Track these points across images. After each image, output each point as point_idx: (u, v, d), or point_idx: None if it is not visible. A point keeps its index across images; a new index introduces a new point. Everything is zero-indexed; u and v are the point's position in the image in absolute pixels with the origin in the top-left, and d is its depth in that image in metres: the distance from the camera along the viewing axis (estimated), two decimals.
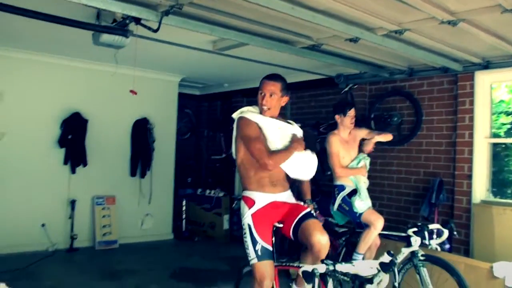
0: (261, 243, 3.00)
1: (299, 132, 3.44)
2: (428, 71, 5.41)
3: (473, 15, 3.21)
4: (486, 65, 4.89)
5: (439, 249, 4.73)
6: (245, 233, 3.10)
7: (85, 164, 6.70)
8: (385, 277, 2.47)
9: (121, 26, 4.02)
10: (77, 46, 5.54)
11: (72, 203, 6.61)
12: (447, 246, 4.90)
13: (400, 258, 4.10)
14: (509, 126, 6.62)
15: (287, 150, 3.16)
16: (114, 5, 3.27)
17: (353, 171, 4.59)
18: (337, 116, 4.76)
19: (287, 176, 3.32)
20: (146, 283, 5.13)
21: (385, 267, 2.42)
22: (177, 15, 3.51)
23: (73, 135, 6.58)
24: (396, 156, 6.03)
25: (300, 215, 3.11)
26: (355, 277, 2.77)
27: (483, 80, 5.16)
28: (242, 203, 3.21)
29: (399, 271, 4.12)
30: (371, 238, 4.24)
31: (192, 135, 9.50)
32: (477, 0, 2.92)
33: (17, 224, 6.02)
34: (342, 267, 2.40)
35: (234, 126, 3.29)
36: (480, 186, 5.15)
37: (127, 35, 4.08)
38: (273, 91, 3.26)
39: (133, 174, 7.29)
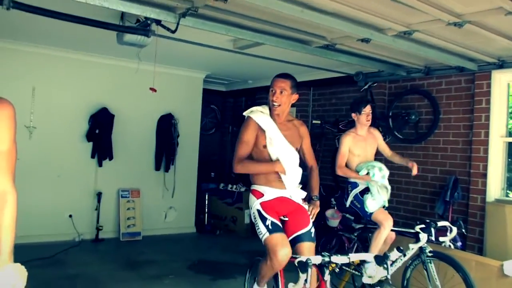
0: (270, 219, 3.13)
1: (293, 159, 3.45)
2: (444, 70, 5.43)
3: (478, 17, 3.27)
4: (501, 65, 4.89)
5: (452, 246, 4.82)
6: (255, 218, 3.25)
7: (111, 158, 6.98)
8: (378, 270, 2.56)
9: (143, 26, 4.22)
10: (103, 43, 5.79)
11: (99, 195, 6.91)
12: (459, 243, 4.94)
13: (409, 254, 4.21)
14: None
15: (263, 165, 3.31)
16: (134, 8, 3.47)
17: (352, 174, 4.61)
18: (353, 114, 4.80)
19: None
20: (165, 273, 5.36)
21: (379, 260, 2.53)
22: (193, 17, 3.69)
23: (100, 130, 6.86)
24: (413, 154, 6.06)
25: (300, 232, 3.23)
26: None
27: (499, 79, 5.16)
28: (251, 195, 3.37)
29: (408, 267, 4.24)
30: (382, 238, 4.30)
31: (217, 130, 9.72)
32: (479, 2, 2.97)
33: (46, 214, 6.33)
34: (337, 258, 2.53)
35: None
36: (495, 185, 5.16)
37: (148, 35, 4.27)
38: (283, 88, 3.40)
39: (157, 168, 7.54)
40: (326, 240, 5.14)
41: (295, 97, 3.51)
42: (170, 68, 7.39)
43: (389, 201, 6.08)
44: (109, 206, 7.05)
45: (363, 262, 3.78)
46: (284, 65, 5.85)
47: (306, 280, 2.51)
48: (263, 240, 3.15)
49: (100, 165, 6.93)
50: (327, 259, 2.51)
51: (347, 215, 5.10)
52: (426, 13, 3.22)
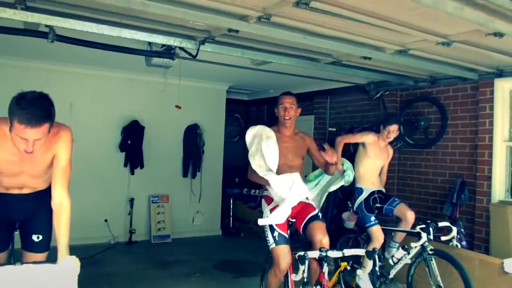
0: (278, 230, 3.57)
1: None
2: (448, 79, 5.75)
3: (462, 37, 3.61)
4: (500, 74, 5.20)
5: (459, 245, 5.16)
6: (265, 226, 3.68)
7: (142, 166, 7.55)
8: (369, 263, 2.96)
9: (168, 51, 4.75)
10: (133, 63, 6.30)
11: (131, 201, 7.48)
12: (464, 242, 5.26)
13: (412, 252, 4.59)
14: None
15: (259, 178, 3.69)
16: (160, 38, 3.98)
17: (339, 147, 4.88)
18: (381, 126, 5.08)
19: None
20: (192, 272, 5.87)
21: (368, 254, 2.93)
22: (211, 43, 4.18)
23: (132, 141, 7.44)
24: (424, 158, 6.39)
25: (309, 215, 3.69)
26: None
27: (502, 87, 5.44)
28: (263, 201, 3.83)
29: (412, 264, 4.62)
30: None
31: (241, 138, 10.18)
32: (459, 25, 3.30)
33: (84, 219, 6.88)
34: (332, 253, 2.96)
35: None
36: (499, 187, 5.44)
37: (173, 58, 4.79)
38: (292, 103, 3.98)
39: (185, 175, 8.08)
40: (343, 240, 5.53)
41: (299, 110, 4.07)
42: (195, 81, 7.90)
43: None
44: (141, 211, 7.62)
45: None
46: (299, 78, 6.31)
47: (304, 271, 2.94)
48: (270, 248, 3.64)
49: (132, 173, 7.51)
50: (324, 254, 2.94)
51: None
52: (415, 36, 3.61)
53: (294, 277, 3.01)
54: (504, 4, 2.74)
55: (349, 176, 4.75)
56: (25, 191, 2.80)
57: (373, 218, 4.86)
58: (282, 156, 3.81)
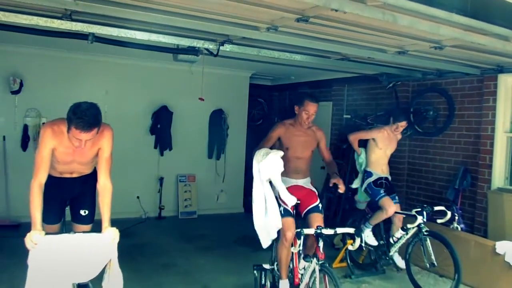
0: (283, 206, 4.08)
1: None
2: (453, 72, 6.09)
3: (452, 42, 3.99)
4: (501, 70, 5.53)
5: (459, 228, 5.61)
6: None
7: (171, 148, 8.20)
8: (357, 240, 3.46)
9: (192, 48, 5.29)
10: (162, 54, 6.88)
11: (161, 180, 8.16)
12: (462, 225, 5.70)
13: (409, 232, 5.08)
14: None
15: None
16: (184, 40, 4.53)
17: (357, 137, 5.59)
18: (391, 118, 5.55)
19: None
20: (214, 245, 6.54)
21: (357, 232, 3.46)
22: (230, 44, 4.68)
23: (161, 125, 8.07)
24: (432, 146, 6.79)
25: (311, 206, 4.23)
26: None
27: (505, 81, 5.78)
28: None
29: (409, 243, 5.12)
30: (380, 218, 5.22)
31: (264, 121, 10.67)
32: (445, 33, 3.64)
33: (118, 196, 7.41)
34: (326, 231, 3.51)
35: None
36: (499, 175, 5.83)
37: (197, 55, 5.32)
38: (315, 111, 4.29)
39: (210, 156, 8.71)
40: (353, 220, 6.03)
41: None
42: (219, 69, 8.36)
43: (411, 187, 6.94)
44: (169, 189, 8.30)
45: None
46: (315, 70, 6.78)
47: (300, 244, 3.52)
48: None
49: (161, 154, 8.17)
50: (319, 231, 3.50)
51: None
52: (408, 41, 4.04)
53: (293, 249, 3.57)
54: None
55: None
56: (75, 175, 3.53)
57: (382, 191, 5.34)
58: (292, 148, 4.29)
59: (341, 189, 4.12)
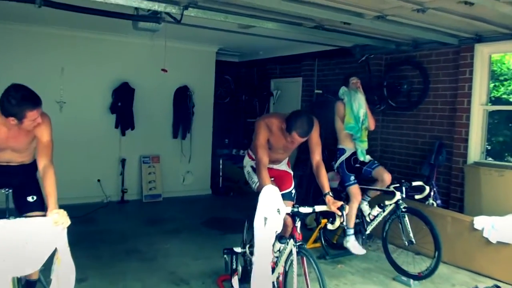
0: None
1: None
2: (430, 43, 5.87)
3: (436, 4, 3.74)
4: (479, 39, 5.33)
5: (435, 204, 5.44)
6: (248, 172, 4.02)
7: (133, 128, 7.72)
8: (337, 218, 3.18)
9: (154, 15, 4.83)
10: (121, 24, 6.34)
11: (123, 161, 7.70)
12: (439, 201, 5.54)
13: (387, 209, 4.86)
14: None
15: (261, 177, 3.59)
16: (144, 3, 4.07)
17: None
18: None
19: None
20: (181, 228, 6.18)
21: (340, 209, 3.19)
22: (195, 8, 4.26)
23: (122, 103, 7.58)
24: (406, 120, 6.59)
25: (283, 192, 3.69)
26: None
27: (482, 52, 5.59)
28: (246, 156, 4.07)
29: (386, 221, 4.89)
30: (353, 210, 4.99)
31: (231, 99, 10.31)
32: None
33: (77, 179, 7.12)
34: (304, 209, 3.20)
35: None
36: (475, 149, 5.67)
37: (159, 22, 4.87)
38: (301, 142, 3.65)
39: (175, 136, 8.27)
40: None
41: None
42: (183, 43, 7.93)
43: (385, 164, 6.73)
44: (132, 171, 7.85)
45: None
46: (284, 41, 6.42)
47: None
48: (256, 187, 3.84)
49: (123, 134, 7.69)
50: (296, 210, 3.18)
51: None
52: (391, 2, 3.73)
53: None
54: None
55: None
56: (13, 164, 3.30)
57: (352, 177, 5.10)
58: (274, 149, 3.87)
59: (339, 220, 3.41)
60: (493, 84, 5.89)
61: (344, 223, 3.35)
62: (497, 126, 6.43)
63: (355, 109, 5.10)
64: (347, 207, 3.40)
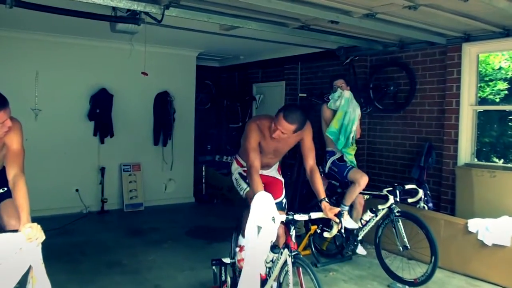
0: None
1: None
2: (417, 43, 5.77)
3: (428, 0, 3.62)
4: (468, 38, 5.24)
5: (426, 207, 5.30)
6: (236, 179, 3.84)
7: (112, 135, 7.44)
8: (335, 226, 3.01)
9: (133, 16, 4.61)
10: (98, 28, 6.08)
11: (102, 170, 7.40)
12: (430, 204, 5.40)
13: (380, 214, 4.70)
14: (506, 92, 6.98)
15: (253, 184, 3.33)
16: (123, 2, 3.85)
17: None
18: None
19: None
20: (165, 238, 5.90)
21: (337, 215, 3.01)
22: (177, 7, 4.05)
23: (100, 109, 7.30)
24: (393, 123, 6.46)
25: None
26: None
27: (469, 51, 5.49)
28: (234, 163, 3.87)
29: (379, 226, 4.73)
30: (355, 193, 4.78)
31: (212, 105, 10.09)
32: None
33: (54, 189, 6.84)
34: (299, 217, 3.01)
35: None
36: (465, 150, 5.56)
37: (138, 23, 4.65)
38: (287, 131, 3.32)
39: (156, 143, 8.00)
40: (315, 203, 5.61)
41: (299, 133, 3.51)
42: (163, 47, 7.72)
43: (372, 167, 6.60)
44: (112, 180, 7.56)
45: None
46: (270, 44, 6.25)
47: None
48: (244, 194, 3.69)
49: (102, 142, 7.40)
50: (290, 217, 2.99)
51: (333, 182, 5.54)
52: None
53: None
54: None
55: None
56: None
57: (348, 163, 4.96)
58: (265, 152, 3.66)
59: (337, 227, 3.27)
60: (478, 85, 5.80)
61: (342, 230, 3.18)
62: (483, 127, 6.37)
63: (346, 121, 4.94)
64: (344, 213, 3.23)
